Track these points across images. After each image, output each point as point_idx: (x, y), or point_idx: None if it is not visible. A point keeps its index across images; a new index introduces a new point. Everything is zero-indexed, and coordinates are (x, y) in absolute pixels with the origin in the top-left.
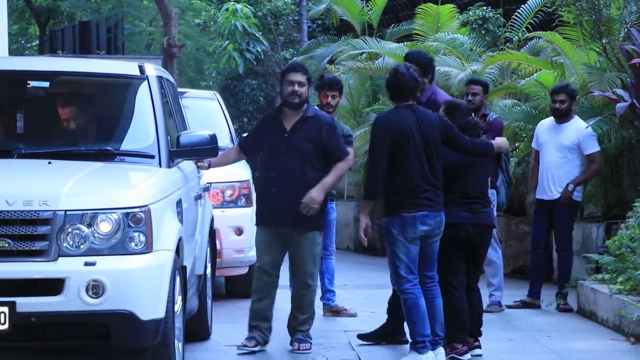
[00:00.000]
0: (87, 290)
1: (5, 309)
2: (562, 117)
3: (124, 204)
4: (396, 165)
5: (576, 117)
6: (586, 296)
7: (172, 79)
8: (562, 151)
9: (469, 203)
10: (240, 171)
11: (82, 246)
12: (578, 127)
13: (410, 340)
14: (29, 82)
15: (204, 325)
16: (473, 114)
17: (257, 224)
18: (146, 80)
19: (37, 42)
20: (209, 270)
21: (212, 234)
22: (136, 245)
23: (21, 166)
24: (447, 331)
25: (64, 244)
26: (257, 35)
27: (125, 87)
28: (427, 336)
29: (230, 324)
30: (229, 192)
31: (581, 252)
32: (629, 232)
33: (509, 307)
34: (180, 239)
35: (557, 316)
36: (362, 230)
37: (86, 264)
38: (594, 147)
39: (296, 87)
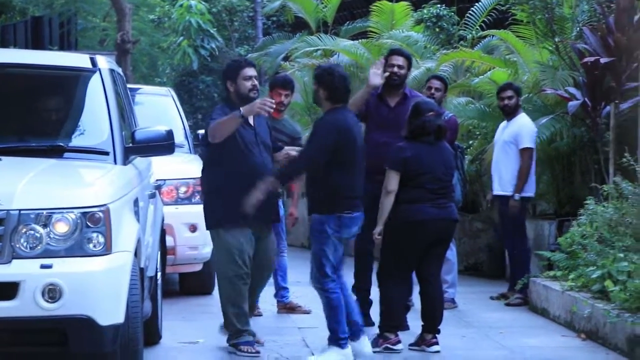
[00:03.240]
0: (43, 295)
1: None
2: (510, 113)
3: (81, 203)
4: (340, 165)
5: (523, 113)
6: (538, 293)
7: (122, 73)
8: (503, 147)
9: (436, 198)
10: (194, 168)
11: (37, 248)
12: (521, 123)
13: (337, 336)
14: None
15: (155, 328)
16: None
17: (230, 226)
18: (98, 73)
19: None
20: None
21: (163, 233)
22: (94, 246)
23: None
24: (381, 321)
25: (18, 246)
26: (211, 31)
27: (76, 80)
28: (347, 332)
29: (182, 321)
30: (183, 189)
31: (533, 250)
32: (580, 229)
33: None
34: (138, 240)
35: (510, 313)
36: (252, 204)
37: (42, 266)
38: (525, 143)
39: (254, 84)
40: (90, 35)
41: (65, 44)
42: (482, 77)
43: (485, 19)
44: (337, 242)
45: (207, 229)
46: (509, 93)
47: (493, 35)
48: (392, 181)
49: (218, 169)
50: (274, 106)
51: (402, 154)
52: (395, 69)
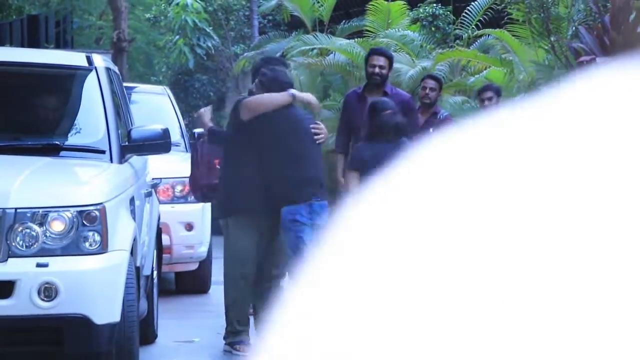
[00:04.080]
0: (39, 293)
1: None
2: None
3: (77, 202)
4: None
5: None
6: None
7: (118, 72)
8: None
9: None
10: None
11: (33, 246)
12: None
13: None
14: None
15: (150, 327)
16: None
17: (235, 216)
18: (94, 71)
19: None
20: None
21: (159, 232)
22: (90, 245)
23: None
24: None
25: (14, 244)
26: (207, 30)
27: (72, 78)
28: None
29: (178, 320)
30: (179, 188)
31: None
32: None
33: None
34: (134, 239)
35: None
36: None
37: (38, 265)
38: None
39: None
40: (86, 34)
41: (61, 43)
42: (478, 76)
43: (481, 18)
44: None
45: (217, 217)
46: (489, 94)
47: (489, 35)
48: (353, 181)
49: (244, 155)
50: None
51: (360, 155)
52: (377, 70)
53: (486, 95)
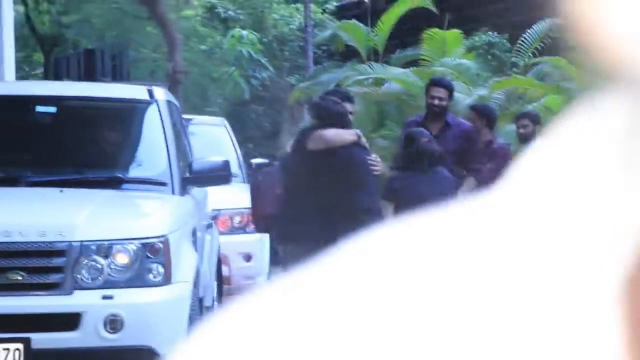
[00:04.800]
0: (104, 325)
1: (20, 346)
2: (526, 141)
3: (141, 234)
4: None
5: None
6: None
7: (178, 104)
8: None
9: None
10: (248, 197)
11: (98, 279)
12: None
13: None
14: (36, 107)
15: None
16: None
17: (295, 243)
18: (156, 104)
19: (42, 69)
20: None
21: (219, 263)
22: (154, 277)
23: (32, 195)
24: None
25: (80, 277)
26: (262, 61)
27: (134, 111)
28: None
29: None
30: (237, 219)
31: None
32: None
33: None
34: (197, 270)
35: None
36: None
37: (103, 297)
38: None
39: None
40: (141, 66)
41: (117, 76)
42: (535, 103)
43: (537, 46)
44: None
45: (277, 243)
46: (525, 122)
47: (546, 62)
48: (387, 211)
49: (305, 184)
50: None
51: (391, 185)
52: (436, 101)
53: (523, 122)
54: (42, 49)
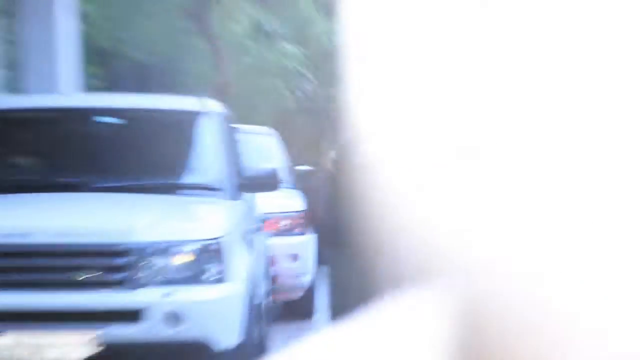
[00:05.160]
0: (164, 320)
1: (89, 337)
2: None
3: (199, 236)
4: None
5: None
6: None
7: (229, 114)
8: None
9: None
10: (295, 202)
11: (158, 277)
12: None
13: None
14: (99, 118)
15: (263, 353)
16: None
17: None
18: (209, 115)
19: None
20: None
21: (268, 263)
22: (210, 276)
23: (96, 199)
24: None
25: (142, 275)
26: (306, 74)
27: (189, 121)
28: None
29: (286, 346)
30: (285, 222)
31: None
32: None
33: None
34: (249, 270)
35: None
36: None
37: (163, 294)
38: None
39: None
40: (192, 79)
41: (171, 88)
42: None
43: None
44: None
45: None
46: None
47: None
48: None
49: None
50: None
51: None
52: None
53: None
54: (100, 63)
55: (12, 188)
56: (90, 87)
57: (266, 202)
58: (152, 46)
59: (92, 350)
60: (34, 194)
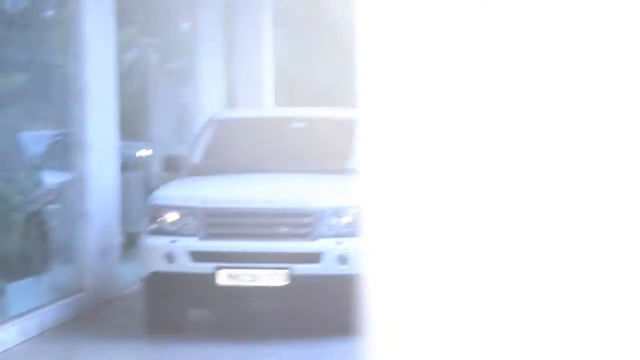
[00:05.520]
0: (336, 261)
1: (286, 272)
2: None
3: (357, 203)
4: None
5: None
6: None
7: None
8: None
9: None
10: None
11: (332, 231)
12: None
13: None
14: (289, 123)
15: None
16: None
17: None
18: (357, 121)
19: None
20: None
21: None
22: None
23: (289, 178)
24: None
25: (321, 230)
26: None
27: (347, 125)
28: None
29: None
30: None
31: None
32: None
33: None
34: None
35: None
36: None
37: (336, 242)
38: None
39: None
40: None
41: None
42: None
43: None
44: None
45: None
46: None
47: None
48: None
49: None
50: None
51: None
52: None
53: None
54: (286, 85)
55: (237, 170)
56: (280, 104)
57: None
58: (324, 73)
59: (288, 280)
60: (250, 174)
